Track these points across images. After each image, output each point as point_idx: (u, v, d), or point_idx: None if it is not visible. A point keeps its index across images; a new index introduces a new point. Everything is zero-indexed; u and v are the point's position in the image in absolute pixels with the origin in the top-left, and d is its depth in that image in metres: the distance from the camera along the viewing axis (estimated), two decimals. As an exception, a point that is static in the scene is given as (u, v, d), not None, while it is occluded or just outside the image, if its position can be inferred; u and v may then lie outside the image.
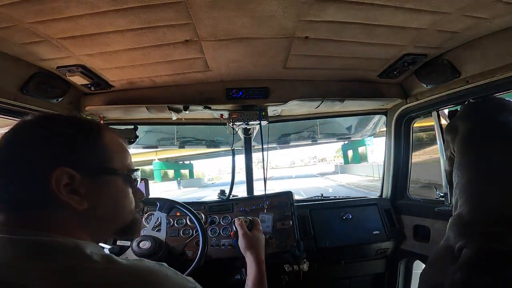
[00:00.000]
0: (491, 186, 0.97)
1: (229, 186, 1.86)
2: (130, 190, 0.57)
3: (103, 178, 0.51)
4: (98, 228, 0.53)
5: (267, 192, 1.72)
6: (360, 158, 28.62)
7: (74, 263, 0.42)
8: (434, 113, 1.58)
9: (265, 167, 1.68)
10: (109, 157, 0.53)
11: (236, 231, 1.06)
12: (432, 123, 1.60)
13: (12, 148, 0.47)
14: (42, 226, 0.46)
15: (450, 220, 1.03)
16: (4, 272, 0.40)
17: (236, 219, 1.08)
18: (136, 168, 0.59)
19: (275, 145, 2.60)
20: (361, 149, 28.10)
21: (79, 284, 0.40)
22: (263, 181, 1.65)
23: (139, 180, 0.60)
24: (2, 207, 0.47)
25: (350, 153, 31.90)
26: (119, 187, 0.54)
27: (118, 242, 1.41)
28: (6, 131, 0.50)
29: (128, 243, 1.38)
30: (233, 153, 1.84)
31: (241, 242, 1.01)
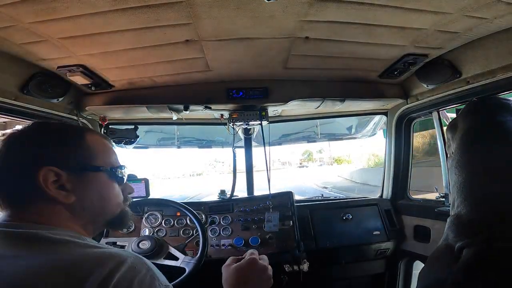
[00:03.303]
0: (490, 185, 0.96)
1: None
2: (116, 185, 0.64)
3: (87, 174, 0.59)
4: (89, 219, 0.59)
5: (261, 194, 1.71)
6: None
7: (56, 249, 0.48)
8: (435, 114, 1.58)
9: (268, 167, 1.69)
10: (92, 156, 0.60)
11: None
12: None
13: (4, 151, 0.55)
14: (32, 218, 0.52)
15: (448, 220, 1.03)
16: None
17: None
18: (121, 165, 0.66)
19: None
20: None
21: (57, 265, 0.45)
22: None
23: (125, 175, 0.67)
24: None
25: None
26: (103, 182, 0.61)
27: (118, 242, 1.42)
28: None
29: (126, 242, 1.38)
30: (234, 153, 1.84)
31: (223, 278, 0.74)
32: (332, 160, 33.31)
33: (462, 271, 0.84)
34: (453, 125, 1.21)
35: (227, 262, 0.77)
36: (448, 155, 1.30)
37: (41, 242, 0.48)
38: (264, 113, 1.62)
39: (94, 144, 0.61)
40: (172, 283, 0.57)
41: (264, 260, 0.77)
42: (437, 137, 1.61)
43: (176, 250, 1.37)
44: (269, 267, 0.76)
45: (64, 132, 0.60)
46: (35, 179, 0.52)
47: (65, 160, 0.56)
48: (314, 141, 2.37)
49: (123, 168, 0.66)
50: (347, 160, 31.87)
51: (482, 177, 0.99)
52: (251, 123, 1.67)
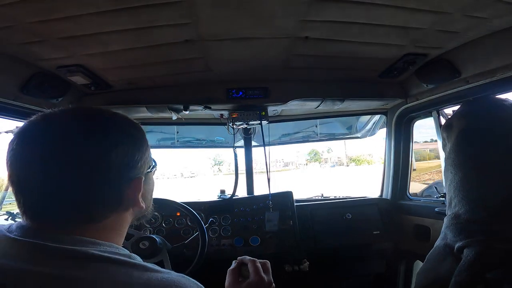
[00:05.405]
0: (487, 185, 0.97)
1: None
2: None
3: (148, 176, 0.54)
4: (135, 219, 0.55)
5: (260, 194, 1.72)
6: None
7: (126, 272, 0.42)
8: (434, 113, 1.58)
9: (267, 167, 1.69)
10: (150, 156, 0.54)
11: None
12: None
13: (98, 148, 0.44)
14: (88, 234, 0.44)
15: (446, 219, 1.04)
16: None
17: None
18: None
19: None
20: None
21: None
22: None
23: None
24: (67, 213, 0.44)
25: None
26: (153, 180, 0.57)
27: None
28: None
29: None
30: (235, 153, 1.85)
31: None
32: (349, 160, 28.42)
33: (465, 271, 0.84)
34: (448, 124, 1.21)
35: (230, 279, 0.72)
36: (446, 154, 1.31)
37: (91, 261, 0.41)
38: (264, 113, 1.62)
39: (148, 143, 0.54)
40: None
41: (268, 272, 0.74)
42: (437, 137, 1.62)
43: (176, 248, 1.37)
44: (271, 279, 0.74)
45: (135, 129, 0.51)
46: (124, 191, 0.46)
47: (143, 165, 0.50)
48: (314, 141, 2.37)
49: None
50: (367, 160, 27.46)
51: (479, 177, 0.99)
52: (251, 123, 1.67)
